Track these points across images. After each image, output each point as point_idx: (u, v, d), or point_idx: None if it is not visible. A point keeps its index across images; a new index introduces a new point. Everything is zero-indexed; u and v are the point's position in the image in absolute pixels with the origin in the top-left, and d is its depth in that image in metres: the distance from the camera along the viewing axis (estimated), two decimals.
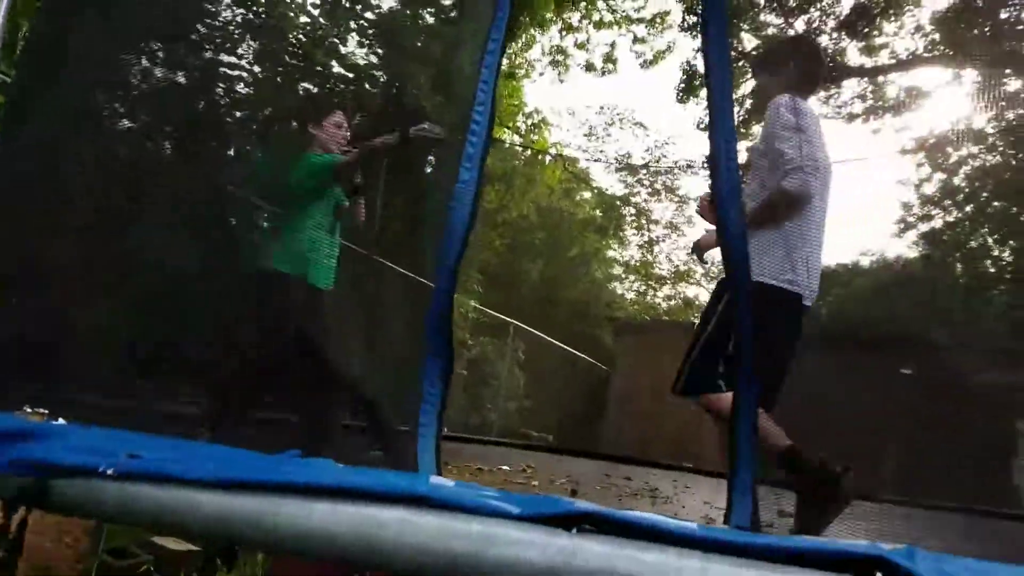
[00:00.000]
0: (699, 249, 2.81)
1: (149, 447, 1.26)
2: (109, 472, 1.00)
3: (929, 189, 8.20)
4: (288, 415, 3.25)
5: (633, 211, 18.24)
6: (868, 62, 8.68)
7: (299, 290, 2.92)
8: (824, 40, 8.40)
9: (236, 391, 2.86)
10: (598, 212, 18.20)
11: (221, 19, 5.03)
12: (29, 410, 1.67)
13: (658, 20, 12.56)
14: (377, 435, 2.92)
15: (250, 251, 3.35)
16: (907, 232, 8.03)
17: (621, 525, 0.72)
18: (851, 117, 9.09)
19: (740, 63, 8.28)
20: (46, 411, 1.68)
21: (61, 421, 1.66)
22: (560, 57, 13.20)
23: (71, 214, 2.80)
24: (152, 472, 1.00)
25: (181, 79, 4.27)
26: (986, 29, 7.10)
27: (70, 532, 2.06)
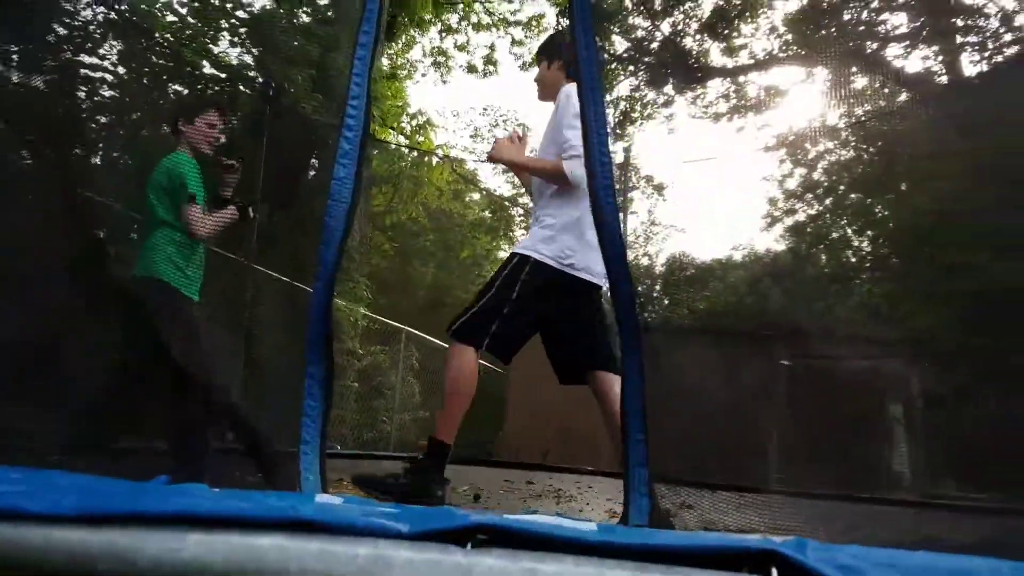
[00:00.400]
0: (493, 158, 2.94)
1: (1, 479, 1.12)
2: None
3: (792, 184, 8.84)
4: (156, 440, 3.01)
5: (522, 211, 18.50)
6: (729, 62, 9.24)
7: (164, 298, 2.71)
8: (688, 42, 8.86)
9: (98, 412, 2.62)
10: (487, 213, 18.30)
11: (80, 19, 4.67)
12: None
13: (534, 23, 12.88)
14: (257, 457, 2.76)
15: (111, 258, 3.10)
16: (774, 226, 8.61)
17: (516, 535, 0.70)
18: (717, 116, 9.63)
19: (612, 65, 8.58)
20: None
21: None
22: (442, 59, 13.24)
23: None
24: (2, 508, 0.89)
25: (39, 83, 3.93)
26: (832, 29, 7.73)
27: None
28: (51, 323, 2.73)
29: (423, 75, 14.11)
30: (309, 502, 1.45)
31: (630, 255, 1.87)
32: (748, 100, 9.31)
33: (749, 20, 8.76)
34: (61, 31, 4.46)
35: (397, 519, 0.80)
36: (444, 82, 14.54)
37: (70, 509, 0.89)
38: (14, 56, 3.61)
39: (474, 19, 12.49)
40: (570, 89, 2.58)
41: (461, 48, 13.00)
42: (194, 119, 3.03)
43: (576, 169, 2.46)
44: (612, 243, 1.77)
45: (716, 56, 9.32)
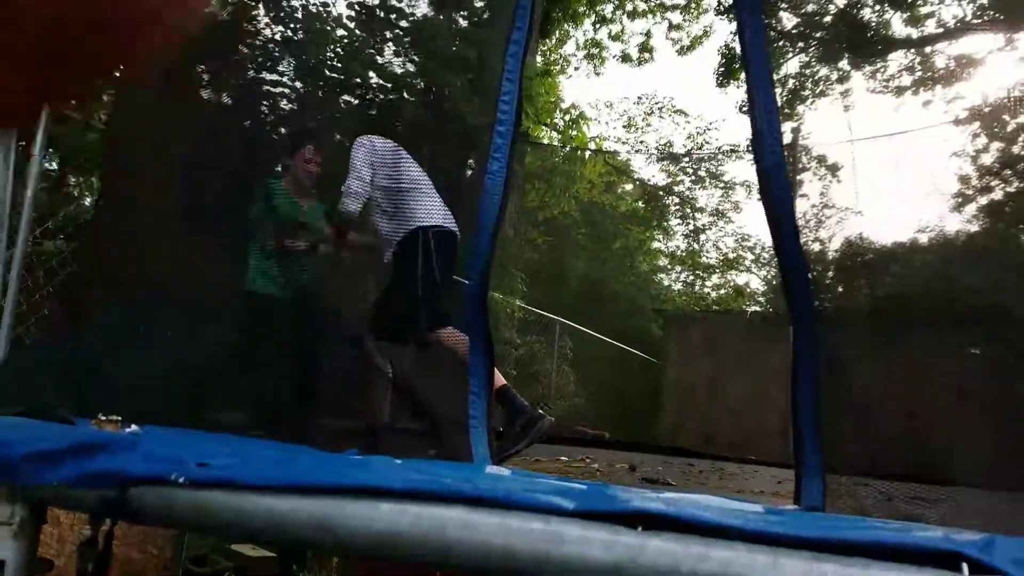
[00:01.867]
0: None
1: (217, 452, 1.30)
2: (180, 481, 1.04)
3: (987, 160, 7.83)
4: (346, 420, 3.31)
5: (677, 200, 18.00)
6: (914, 32, 8.36)
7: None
8: (867, 13, 8.11)
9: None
10: (640, 204, 18.00)
11: (261, 38, 5.16)
12: (103, 417, 1.73)
13: (693, 5, 12.36)
14: (432, 434, 2.95)
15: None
16: (966, 205, 7.69)
17: (685, 523, 0.71)
18: (899, 90, 8.76)
19: (780, 43, 8.07)
20: (119, 417, 1.74)
21: (134, 427, 1.73)
22: (595, 50, 13.10)
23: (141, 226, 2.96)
24: (220, 479, 1.03)
25: (227, 99, 4.38)
26: None
27: (154, 541, 2.14)
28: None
29: (576, 68, 14.08)
30: (482, 474, 1.54)
31: (800, 239, 1.79)
32: (936, 71, 8.38)
33: None
34: (244, 50, 4.91)
35: (564, 496, 0.84)
36: (598, 74, 14.44)
37: (278, 480, 1.02)
38: (204, 76, 4.05)
39: (629, 7, 12.21)
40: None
41: (615, 38, 12.79)
42: (295, 153, 3.43)
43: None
44: (783, 222, 1.71)
45: (898, 26, 8.49)
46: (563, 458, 4.97)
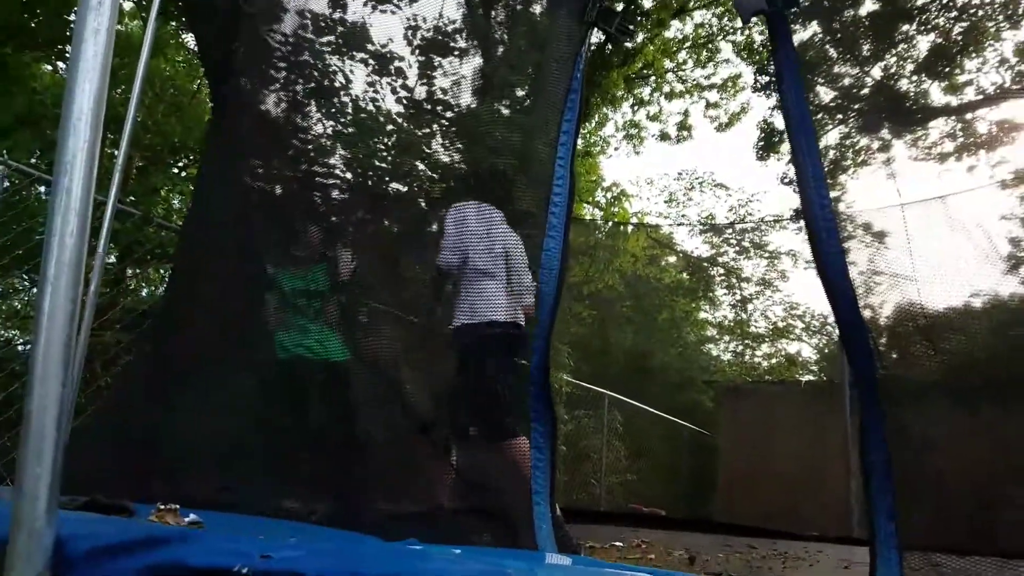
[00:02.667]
0: None
1: (279, 544, 1.33)
2: (244, 572, 1.05)
3: None
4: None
5: (722, 271, 17.93)
6: (953, 100, 8.42)
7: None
8: (904, 84, 8.24)
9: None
10: (685, 275, 18.00)
11: (313, 133, 5.50)
12: (163, 507, 1.76)
13: (730, 84, 12.68)
14: (491, 517, 2.92)
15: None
16: (1020, 268, 7.47)
17: None
18: (942, 157, 8.75)
19: (819, 115, 8.22)
20: (177, 506, 1.77)
21: (193, 516, 1.77)
22: (634, 131, 13.45)
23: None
24: (284, 571, 1.05)
25: (279, 189, 4.66)
26: None
27: None
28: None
29: (616, 149, 14.45)
30: (543, 564, 1.55)
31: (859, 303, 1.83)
32: (978, 137, 8.40)
33: (973, 55, 8.00)
34: (297, 144, 5.22)
35: None
36: (637, 153, 14.78)
37: (341, 572, 1.03)
38: (259, 169, 4.30)
39: (666, 88, 12.58)
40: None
41: (653, 118, 13.12)
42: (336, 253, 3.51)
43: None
44: (840, 288, 1.76)
45: (937, 95, 8.58)
46: (618, 544, 4.85)
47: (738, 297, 18.04)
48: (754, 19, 2.06)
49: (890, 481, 1.67)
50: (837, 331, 2.13)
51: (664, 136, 13.34)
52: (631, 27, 2.35)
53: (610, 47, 10.10)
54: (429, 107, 7.17)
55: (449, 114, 6.88)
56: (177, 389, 2.89)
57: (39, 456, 1.00)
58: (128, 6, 9.97)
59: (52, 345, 1.05)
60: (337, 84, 5.54)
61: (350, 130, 6.19)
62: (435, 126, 6.62)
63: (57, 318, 1.06)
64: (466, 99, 6.98)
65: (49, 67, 9.43)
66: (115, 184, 2.65)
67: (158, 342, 3.49)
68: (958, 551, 2.05)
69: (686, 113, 13.16)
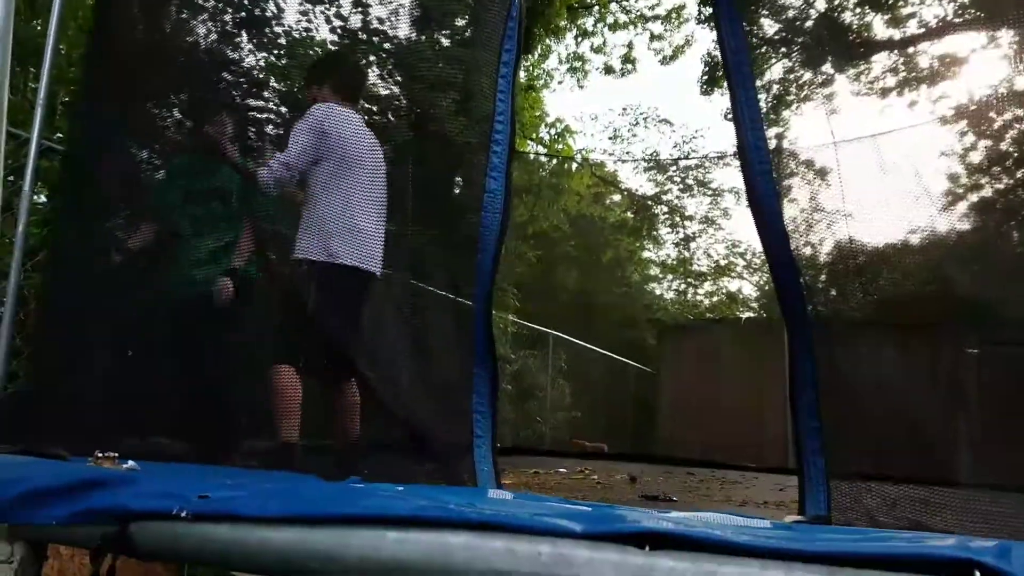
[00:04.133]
0: None
1: (217, 484, 1.29)
2: (182, 515, 1.03)
3: (975, 158, 7.84)
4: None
5: (666, 209, 18.10)
6: (896, 33, 8.46)
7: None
8: (847, 16, 8.22)
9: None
10: (630, 214, 18.11)
11: (245, 65, 5.18)
12: (100, 455, 1.70)
13: (674, 15, 12.49)
14: (430, 451, 2.88)
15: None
16: (956, 204, 7.70)
17: (695, 542, 0.70)
18: (884, 92, 8.83)
19: (762, 49, 8.16)
20: (115, 454, 1.72)
21: (131, 463, 1.71)
22: (578, 64, 13.21)
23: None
24: (222, 512, 1.02)
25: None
26: None
27: (156, 573, 2.11)
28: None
29: (559, 82, 14.21)
30: (486, 499, 1.53)
31: (791, 245, 1.81)
32: (920, 71, 8.47)
33: None
34: (229, 77, 4.93)
35: (571, 519, 0.84)
36: (581, 87, 14.55)
37: (278, 512, 1.01)
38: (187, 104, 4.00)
39: (610, 19, 12.33)
40: (314, 108, 2.78)
41: (597, 50, 12.89)
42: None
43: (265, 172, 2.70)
44: (773, 230, 1.72)
45: (880, 28, 8.59)
46: (562, 470, 4.95)
47: (681, 236, 18.31)
48: None
49: (818, 419, 1.69)
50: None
51: (608, 69, 13.15)
52: None
53: None
54: (364, 37, 6.79)
55: (386, 45, 6.54)
56: (86, 337, 2.70)
57: None
58: None
59: None
60: (269, 14, 5.19)
61: (283, 62, 5.84)
62: (371, 57, 6.31)
63: None
64: (403, 30, 6.61)
65: None
66: (38, 120, 2.51)
67: (58, 289, 3.20)
68: (890, 480, 2.10)
69: (630, 45, 12.98)
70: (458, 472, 2.17)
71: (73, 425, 2.16)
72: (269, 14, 5.12)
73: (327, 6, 5.93)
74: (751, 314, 17.24)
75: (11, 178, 2.96)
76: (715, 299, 18.93)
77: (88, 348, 2.69)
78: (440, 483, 2.20)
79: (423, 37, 6.47)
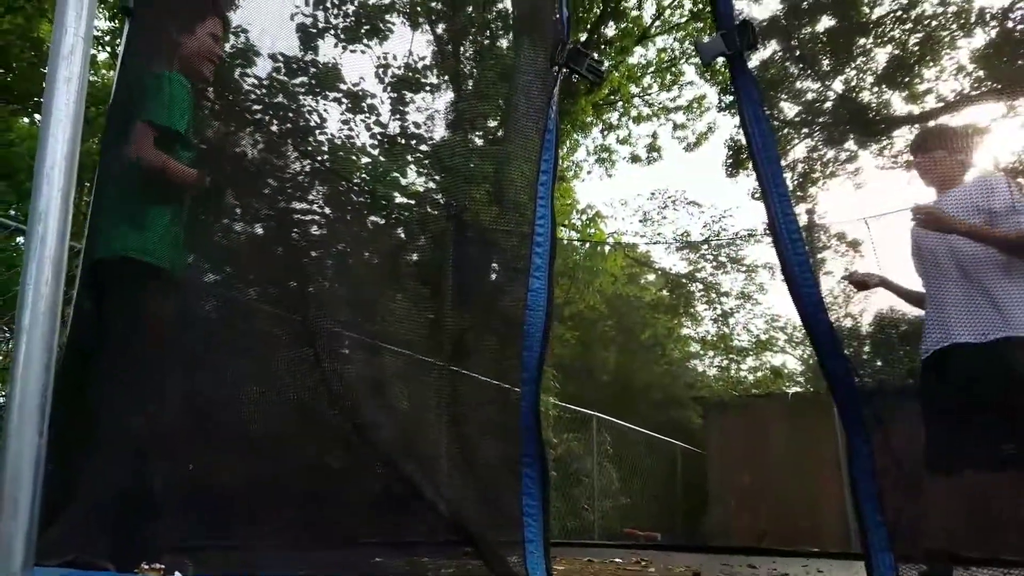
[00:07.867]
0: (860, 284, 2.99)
1: None
2: None
3: None
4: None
5: (701, 286, 18.08)
6: (915, 109, 8.65)
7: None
8: (865, 95, 8.45)
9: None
10: (665, 292, 18.12)
11: (290, 171, 5.50)
12: (146, 566, 1.71)
13: (695, 105, 12.96)
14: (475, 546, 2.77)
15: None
16: None
17: None
18: (909, 165, 8.94)
19: (784, 131, 8.39)
20: (162, 566, 1.72)
21: (178, 575, 1.70)
22: (605, 155, 13.67)
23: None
24: None
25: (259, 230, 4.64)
26: None
27: None
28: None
29: (588, 172, 14.67)
30: None
31: (830, 317, 1.84)
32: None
33: (931, 64, 8.27)
34: (273, 183, 5.18)
35: None
36: (610, 176, 14.98)
37: None
38: (236, 209, 4.24)
39: (634, 113, 12.85)
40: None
41: (623, 142, 13.38)
42: (194, 29, 2.36)
43: None
44: (813, 312, 1.76)
45: (899, 104, 8.81)
46: (618, 560, 4.81)
47: (719, 311, 18.17)
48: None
49: (882, 508, 1.64)
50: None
51: (635, 158, 13.58)
52: (601, 68, 2.38)
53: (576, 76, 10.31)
54: (403, 141, 7.21)
55: (423, 147, 6.93)
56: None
57: (15, 509, 0.98)
58: (103, 57, 9.97)
59: (28, 395, 1.03)
60: (312, 123, 5.55)
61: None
62: (408, 157, 6.66)
63: (33, 367, 1.04)
64: (440, 131, 7.03)
65: (27, 120, 9.39)
66: (87, 230, 2.52)
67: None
68: (967, 563, 2.03)
69: (655, 135, 13.49)
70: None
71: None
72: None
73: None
74: (798, 388, 16.81)
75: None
76: (759, 374, 18.54)
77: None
78: None
79: (458, 137, 6.82)
